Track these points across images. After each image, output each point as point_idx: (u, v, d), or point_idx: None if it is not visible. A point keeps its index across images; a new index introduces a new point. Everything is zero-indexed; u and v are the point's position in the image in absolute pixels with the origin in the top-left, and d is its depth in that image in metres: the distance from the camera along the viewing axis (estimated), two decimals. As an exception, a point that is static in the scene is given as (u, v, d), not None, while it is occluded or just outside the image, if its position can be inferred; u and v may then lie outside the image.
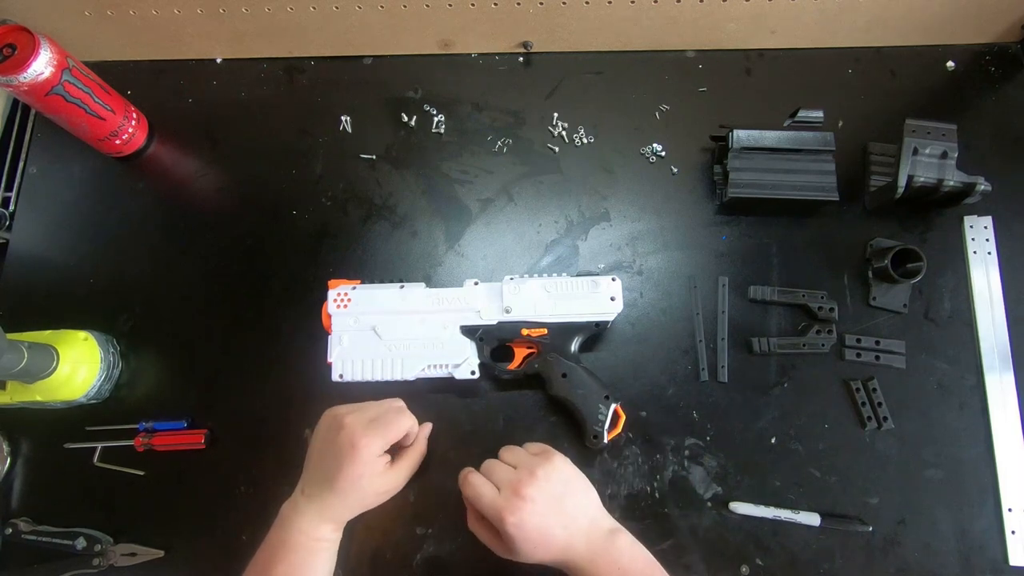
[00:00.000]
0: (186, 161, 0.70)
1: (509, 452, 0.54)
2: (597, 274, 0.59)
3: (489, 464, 0.53)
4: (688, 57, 0.71)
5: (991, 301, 0.62)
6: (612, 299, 0.58)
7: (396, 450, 0.55)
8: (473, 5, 0.65)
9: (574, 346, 0.58)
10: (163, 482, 0.60)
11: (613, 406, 0.56)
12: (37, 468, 0.61)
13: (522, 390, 0.61)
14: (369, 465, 0.52)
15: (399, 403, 0.56)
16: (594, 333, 0.60)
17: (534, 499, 0.49)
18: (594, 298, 0.58)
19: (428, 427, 0.58)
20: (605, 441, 0.56)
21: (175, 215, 0.68)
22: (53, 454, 0.61)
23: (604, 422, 0.56)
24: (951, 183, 0.59)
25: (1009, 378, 0.60)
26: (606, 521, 0.51)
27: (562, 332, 0.58)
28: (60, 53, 0.58)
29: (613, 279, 0.58)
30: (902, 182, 0.59)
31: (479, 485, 0.51)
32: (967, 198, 0.60)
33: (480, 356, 0.58)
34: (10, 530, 0.58)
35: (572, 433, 0.59)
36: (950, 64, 0.70)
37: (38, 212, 0.68)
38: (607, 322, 0.58)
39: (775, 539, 0.57)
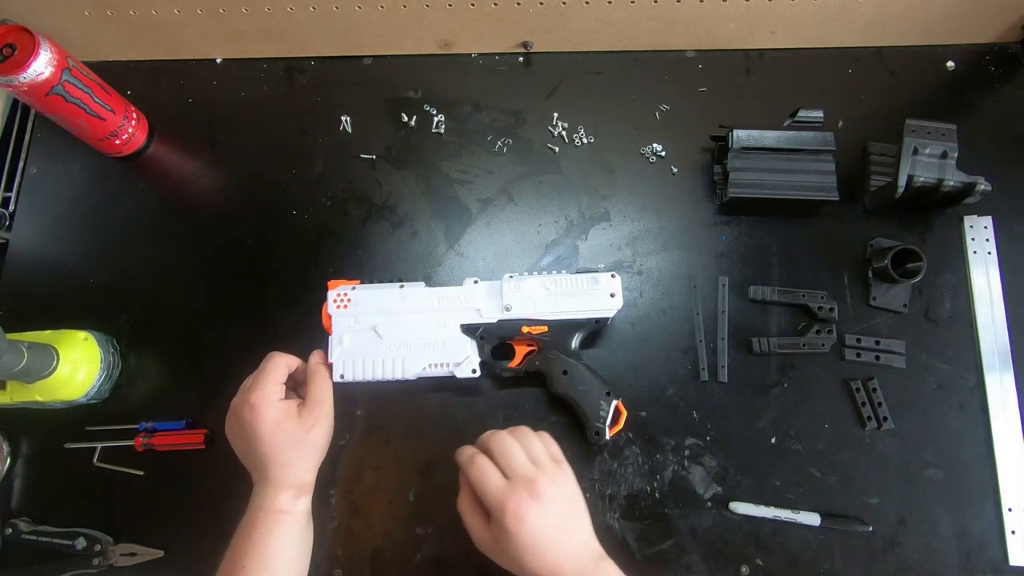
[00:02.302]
0: (186, 161, 0.70)
1: (524, 439, 0.51)
2: (596, 271, 0.59)
3: (503, 446, 0.50)
4: (688, 57, 0.71)
5: (991, 301, 0.62)
6: (612, 295, 0.58)
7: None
8: (473, 5, 0.66)
9: (575, 343, 0.58)
10: (163, 482, 0.60)
11: (615, 402, 0.56)
12: (37, 468, 0.61)
13: (523, 388, 0.61)
14: (276, 411, 0.51)
15: (270, 354, 0.55)
16: (594, 330, 0.60)
17: (544, 502, 0.47)
18: (594, 295, 0.58)
19: (316, 353, 0.57)
20: (607, 437, 0.56)
21: (175, 215, 0.68)
22: (53, 454, 0.61)
23: (606, 418, 0.56)
24: (951, 183, 0.59)
25: (1009, 378, 0.60)
26: (595, 546, 0.49)
27: (562, 329, 0.58)
28: (60, 53, 0.58)
29: (612, 275, 0.58)
30: (902, 182, 0.59)
31: (488, 470, 0.49)
32: (967, 198, 0.60)
33: (481, 354, 0.58)
34: (10, 530, 0.58)
35: (574, 431, 0.59)
36: (950, 64, 0.70)
37: (38, 212, 0.68)
38: (607, 319, 0.58)
39: (775, 539, 0.57)
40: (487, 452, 0.51)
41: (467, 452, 0.52)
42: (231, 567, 0.49)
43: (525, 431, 0.52)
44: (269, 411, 0.51)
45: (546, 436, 0.53)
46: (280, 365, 0.54)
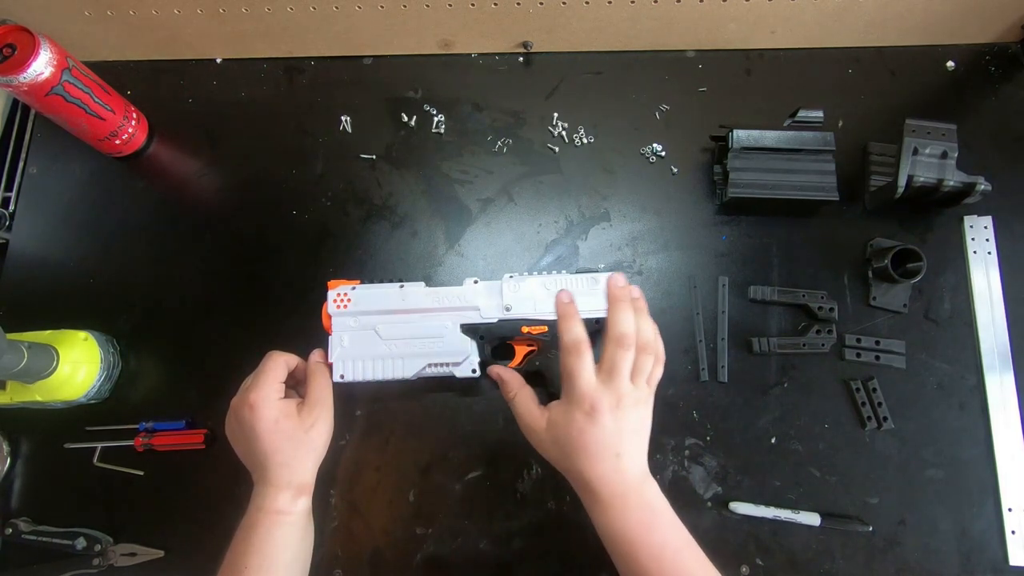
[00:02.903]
0: (186, 161, 0.70)
1: (641, 355, 0.50)
2: (596, 271, 0.59)
3: (617, 353, 0.49)
4: (688, 57, 0.71)
5: (991, 301, 0.62)
6: None
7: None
8: (473, 5, 0.66)
9: (575, 344, 0.58)
10: (163, 482, 0.60)
11: None
12: (37, 468, 0.61)
13: (522, 389, 0.61)
14: (275, 410, 0.51)
15: (269, 353, 0.55)
16: (595, 330, 0.59)
17: (621, 417, 0.47)
18: (594, 295, 0.57)
19: (316, 352, 0.57)
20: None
21: (175, 215, 0.68)
22: (53, 454, 0.61)
23: None
24: (951, 183, 0.59)
25: (1009, 378, 0.60)
26: (645, 468, 0.49)
27: (562, 330, 0.58)
28: (60, 53, 0.58)
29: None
30: (902, 182, 0.59)
31: (588, 363, 0.48)
32: (967, 198, 0.60)
33: (481, 354, 0.58)
34: (10, 530, 0.58)
35: (572, 433, 0.59)
36: (950, 64, 0.70)
37: (38, 212, 0.68)
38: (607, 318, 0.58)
39: (775, 539, 0.57)
40: (616, 331, 0.50)
41: (575, 333, 0.50)
42: (231, 568, 0.49)
43: (651, 344, 0.51)
44: (268, 410, 0.51)
45: (661, 357, 0.52)
46: (280, 364, 0.54)
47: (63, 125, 0.63)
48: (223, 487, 0.58)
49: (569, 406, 0.48)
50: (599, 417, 0.47)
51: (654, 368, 0.51)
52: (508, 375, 0.55)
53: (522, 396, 0.53)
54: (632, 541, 0.46)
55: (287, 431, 0.51)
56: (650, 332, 0.52)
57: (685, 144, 0.68)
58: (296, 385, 0.57)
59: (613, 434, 0.47)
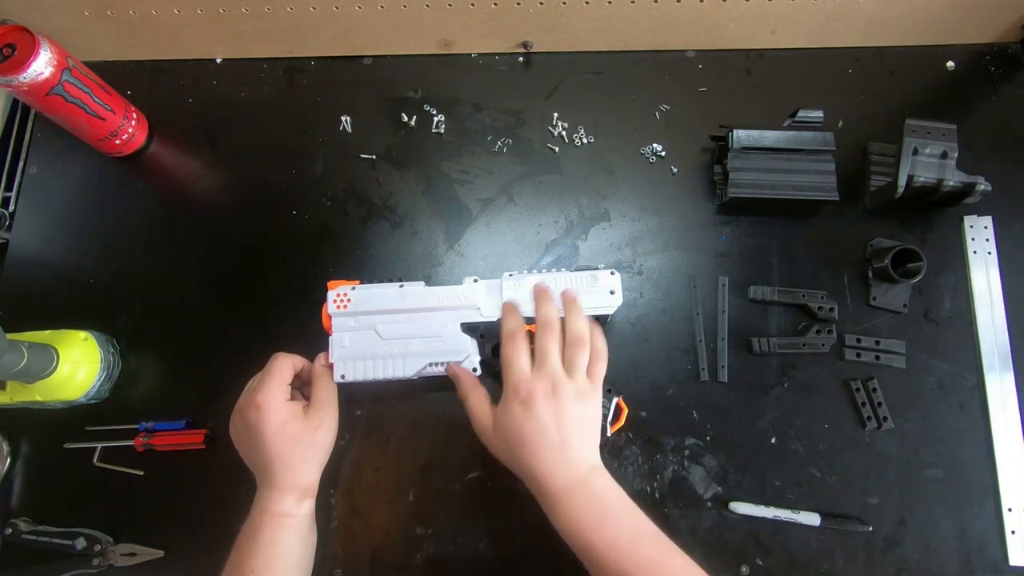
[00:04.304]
0: (186, 161, 0.70)
1: (573, 347, 0.50)
2: (597, 269, 0.59)
3: (546, 340, 0.50)
4: (688, 57, 0.71)
5: (991, 301, 0.62)
6: (612, 293, 0.57)
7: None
8: (473, 5, 0.66)
9: (575, 342, 0.58)
10: (163, 482, 0.60)
11: (616, 399, 0.56)
12: (37, 468, 0.61)
13: (522, 390, 0.60)
14: (281, 412, 0.51)
15: (275, 355, 0.55)
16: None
17: (558, 406, 0.47)
18: (593, 292, 0.58)
19: (322, 355, 0.57)
20: (608, 434, 0.56)
21: (175, 215, 0.68)
22: (53, 454, 0.61)
23: (607, 415, 0.56)
24: (951, 183, 0.59)
25: (1009, 378, 0.60)
26: (594, 459, 0.49)
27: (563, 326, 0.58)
28: (60, 53, 0.58)
29: (612, 273, 0.58)
30: (902, 182, 0.59)
31: (522, 352, 0.50)
32: (967, 198, 0.60)
33: (481, 353, 0.58)
34: (10, 530, 0.58)
35: (572, 433, 0.59)
36: (950, 64, 0.70)
37: (38, 212, 0.68)
38: (608, 316, 0.58)
39: (775, 539, 0.57)
40: (540, 321, 0.51)
41: (513, 323, 0.52)
42: (235, 571, 0.49)
43: (582, 337, 0.51)
44: (275, 412, 0.51)
45: (600, 351, 0.52)
46: (286, 366, 0.54)
47: (63, 125, 0.63)
48: (223, 487, 0.58)
49: (507, 399, 0.48)
50: (534, 405, 0.47)
51: (593, 363, 0.51)
52: (462, 373, 0.54)
53: (475, 395, 0.52)
54: (584, 536, 0.46)
55: (293, 433, 0.51)
56: (581, 326, 0.52)
57: (685, 144, 0.68)
58: (301, 386, 0.57)
59: (552, 424, 0.47)
